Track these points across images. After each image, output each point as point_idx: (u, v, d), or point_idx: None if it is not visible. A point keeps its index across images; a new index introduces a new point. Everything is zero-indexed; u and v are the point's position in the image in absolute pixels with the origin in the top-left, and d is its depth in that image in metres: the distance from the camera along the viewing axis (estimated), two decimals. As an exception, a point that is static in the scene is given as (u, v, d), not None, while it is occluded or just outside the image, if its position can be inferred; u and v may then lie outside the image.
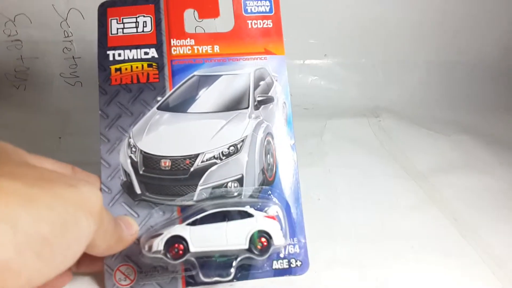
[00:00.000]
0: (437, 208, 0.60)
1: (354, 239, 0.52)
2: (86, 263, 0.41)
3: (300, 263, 0.44)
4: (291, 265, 0.44)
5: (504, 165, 0.72)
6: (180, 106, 0.46)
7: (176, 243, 0.39)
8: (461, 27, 0.94)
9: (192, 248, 0.39)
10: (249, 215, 0.41)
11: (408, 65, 0.94)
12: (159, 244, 0.39)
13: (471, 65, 0.96)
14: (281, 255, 0.44)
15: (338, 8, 0.88)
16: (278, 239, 0.41)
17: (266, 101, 0.47)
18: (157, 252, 0.39)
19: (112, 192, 0.43)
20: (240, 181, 0.44)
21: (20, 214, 0.25)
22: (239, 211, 0.41)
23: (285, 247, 0.44)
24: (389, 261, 0.49)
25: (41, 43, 0.79)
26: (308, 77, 0.93)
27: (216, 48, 0.47)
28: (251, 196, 0.44)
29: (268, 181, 0.45)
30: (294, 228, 0.45)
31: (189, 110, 0.46)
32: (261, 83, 0.47)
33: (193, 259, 0.40)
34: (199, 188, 0.43)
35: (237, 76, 0.47)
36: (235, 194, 0.44)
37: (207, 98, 0.47)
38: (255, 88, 0.47)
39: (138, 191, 0.44)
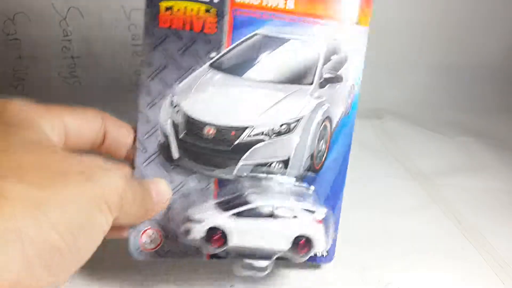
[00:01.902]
0: (440, 210, 0.60)
1: (356, 240, 0.52)
2: (114, 230, 0.38)
3: (327, 253, 0.43)
4: (317, 254, 0.43)
5: (507, 166, 0.73)
6: (236, 68, 0.40)
7: (217, 234, 0.37)
8: (464, 29, 0.94)
9: (231, 243, 0.37)
10: (295, 216, 0.38)
11: (411, 66, 0.94)
12: (199, 232, 0.37)
13: (474, 67, 0.96)
14: None
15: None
16: (320, 246, 0.38)
17: (334, 80, 0.41)
18: (195, 240, 0.37)
19: (147, 152, 0.39)
20: (285, 163, 0.40)
21: (28, 223, 0.23)
22: (286, 209, 0.38)
23: None
24: (391, 262, 0.49)
25: (40, 42, 0.79)
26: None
27: (290, 3, 0.39)
28: (299, 179, 0.41)
29: (315, 168, 0.42)
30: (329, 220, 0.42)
31: (244, 75, 0.40)
32: (333, 57, 0.41)
33: (229, 251, 0.38)
34: (240, 163, 0.40)
35: (307, 44, 0.41)
36: (278, 176, 0.41)
37: (268, 64, 0.41)
38: (324, 63, 0.41)
39: (176, 155, 0.40)
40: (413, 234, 0.55)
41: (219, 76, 0.40)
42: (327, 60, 0.41)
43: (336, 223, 0.43)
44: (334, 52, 0.41)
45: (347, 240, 0.52)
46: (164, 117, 0.39)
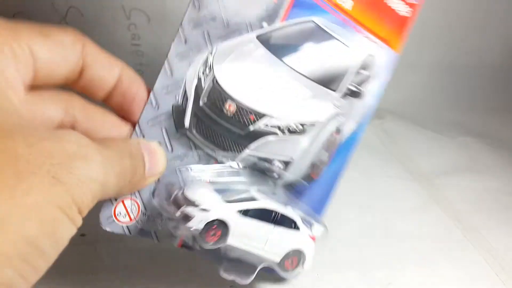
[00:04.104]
0: (441, 210, 0.60)
1: (357, 241, 0.52)
2: None
3: None
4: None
5: (508, 166, 0.73)
6: (280, 48, 0.39)
7: (217, 229, 0.34)
8: (465, 29, 0.94)
9: (231, 240, 0.34)
10: (296, 227, 0.37)
11: (412, 66, 0.94)
12: (201, 221, 0.33)
13: (476, 67, 0.96)
14: None
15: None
16: (309, 264, 0.38)
17: (356, 94, 0.41)
18: (194, 230, 0.34)
19: (158, 110, 0.36)
20: (287, 164, 0.39)
21: None
22: (288, 218, 0.37)
23: None
24: (392, 262, 0.49)
25: (40, 42, 0.79)
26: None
27: (349, 4, 0.39)
28: (288, 185, 0.39)
29: (311, 177, 0.40)
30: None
31: (285, 59, 0.39)
32: (363, 71, 0.41)
33: (221, 249, 0.36)
34: (246, 151, 0.38)
35: (347, 49, 0.40)
36: (275, 176, 0.39)
37: (309, 56, 0.40)
38: (354, 75, 0.40)
39: (187, 124, 0.37)
40: (413, 234, 0.55)
41: (261, 51, 0.38)
42: (357, 72, 0.40)
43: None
44: (365, 66, 0.41)
45: (347, 240, 0.52)
46: (191, 76, 0.37)
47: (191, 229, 0.34)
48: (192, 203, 0.34)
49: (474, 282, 0.48)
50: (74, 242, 0.45)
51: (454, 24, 0.94)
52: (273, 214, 0.36)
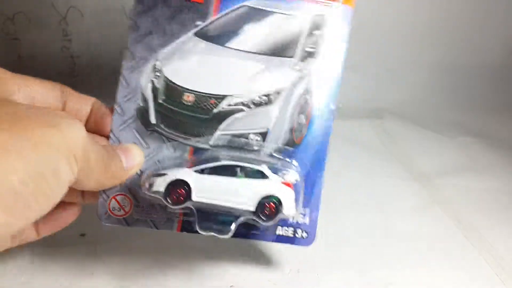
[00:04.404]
0: (441, 210, 0.60)
1: (357, 241, 0.52)
2: (92, 194, 0.39)
3: (306, 234, 0.41)
4: (296, 234, 0.41)
5: (508, 166, 0.73)
6: (220, 37, 0.41)
7: (179, 188, 0.37)
8: (465, 29, 0.94)
9: (195, 197, 0.37)
10: (264, 176, 0.38)
11: (411, 66, 0.94)
12: (160, 184, 0.37)
13: (475, 66, 0.96)
14: (288, 223, 0.41)
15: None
16: (289, 209, 0.38)
17: (315, 54, 0.42)
18: (157, 192, 0.37)
19: (124, 115, 0.40)
20: (263, 135, 0.40)
21: None
22: (254, 169, 0.38)
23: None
24: (392, 263, 0.49)
25: (40, 42, 0.79)
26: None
27: None
28: (271, 155, 0.41)
29: (294, 142, 0.41)
30: (309, 198, 0.41)
31: (227, 44, 0.41)
32: (316, 32, 0.42)
33: (192, 208, 0.38)
34: (218, 132, 0.40)
35: (292, 18, 0.41)
36: (255, 148, 0.40)
37: (252, 35, 0.41)
38: (307, 37, 0.42)
39: (153, 120, 0.40)
40: (414, 234, 0.54)
41: (202, 44, 0.41)
42: (309, 34, 0.42)
43: (317, 200, 0.42)
44: (317, 27, 0.42)
45: (347, 240, 0.52)
46: (145, 81, 0.40)
47: (156, 195, 0.37)
48: (155, 174, 0.38)
49: (474, 282, 0.47)
50: (74, 242, 0.45)
51: (454, 24, 0.94)
52: (236, 168, 0.38)
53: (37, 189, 0.25)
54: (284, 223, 0.41)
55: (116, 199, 0.40)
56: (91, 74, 0.81)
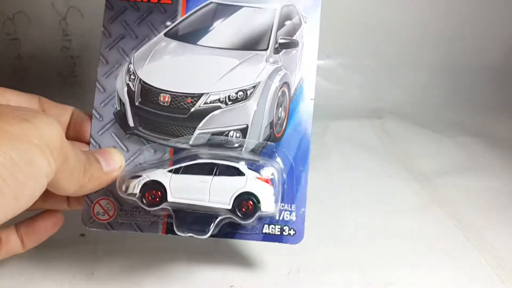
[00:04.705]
0: (441, 210, 0.60)
1: (357, 241, 0.52)
2: (77, 199, 0.39)
3: (294, 232, 0.40)
4: (284, 232, 0.40)
5: (507, 166, 0.72)
6: (190, 36, 0.41)
7: (154, 189, 0.37)
8: (465, 29, 0.94)
9: (170, 198, 0.36)
10: (240, 173, 0.37)
11: (411, 66, 0.94)
12: (135, 186, 0.37)
13: (475, 66, 0.96)
14: (274, 220, 0.40)
15: (342, 8, 0.88)
16: (267, 206, 0.37)
17: (289, 45, 0.41)
18: (132, 194, 0.37)
19: (103, 120, 0.40)
20: (243, 131, 0.40)
21: None
22: (230, 167, 0.37)
23: (280, 212, 0.40)
24: (392, 262, 0.49)
25: (40, 42, 0.79)
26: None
27: None
28: (252, 151, 0.40)
29: (275, 137, 0.41)
30: (294, 194, 0.40)
31: (199, 42, 0.41)
32: (287, 23, 0.42)
33: (169, 208, 0.37)
34: (197, 131, 0.40)
35: (261, 10, 0.42)
36: (236, 145, 0.40)
37: (222, 31, 0.42)
38: (278, 28, 0.41)
39: (131, 123, 0.40)
40: (414, 234, 0.54)
41: (174, 44, 0.41)
42: (281, 25, 0.42)
43: (303, 195, 0.41)
44: (288, 17, 0.42)
45: (347, 240, 0.52)
46: (121, 85, 0.40)
47: (132, 197, 0.37)
48: (131, 177, 0.37)
49: (474, 282, 0.47)
50: (74, 242, 0.45)
51: (454, 24, 0.94)
52: (212, 167, 0.37)
53: (13, 181, 0.25)
54: (271, 220, 0.40)
55: (100, 204, 0.40)
56: (91, 74, 0.81)
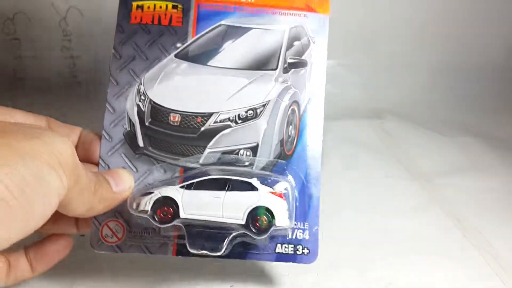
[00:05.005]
0: (441, 210, 0.60)
1: (357, 241, 0.52)
2: (85, 222, 0.38)
3: (308, 251, 0.39)
4: (297, 251, 0.39)
5: (507, 166, 0.72)
6: (201, 57, 0.42)
7: (166, 206, 0.36)
8: (465, 29, 0.94)
9: (183, 214, 0.36)
10: (253, 188, 0.37)
11: (411, 66, 0.94)
12: (147, 203, 0.36)
13: (475, 66, 0.96)
14: (287, 240, 0.39)
15: (341, 9, 0.88)
16: (281, 220, 0.36)
17: (298, 64, 0.42)
18: (143, 211, 0.36)
19: (112, 141, 0.40)
20: (254, 150, 0.40)
21: None
22: (243, 182, 0.37)
23: (292, 231, 0.39)
24: (392, 263, 0.49)
25: (40, 42, 0.79)
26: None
27: None
28: (263, 169, 0.40)
29: (286, 154, 0.41)
30: (306, 212, 0.40)
31: (209, 63, 0.42)
32: (296, 43, 0.43)
33: (181, 225, 0.37)
34: (207, 150, 0.39)
35: (269, 32, 0.42)
36: (246, 163, 0.40)
37: (232, 52, 0.42)
38: (287, 49, 0.42)
39: (141, 143, 0.40)
40: (413, 234, 0.54)
41: (184, 65, 0.41)
42: (290, 45, 0.42)
43: (316, 213, 0.40)
44: (296, 38, 0.43)
45: (348, 240, 0.52)
46: (131, 105, 0.40)
47: (143, 214, 0.36)
48: (142, 194, 0.37)
49: (474, 282, 0.47)
50: (74, 242, 0.45)
51: (454, 24, 0.94)
52: (224, 182, 0.37)
53: (26, 199, 0.24)
54: (283, 240, 0.39)
55: (108, 226, 0.39)
56: (91, 74, 0.81)
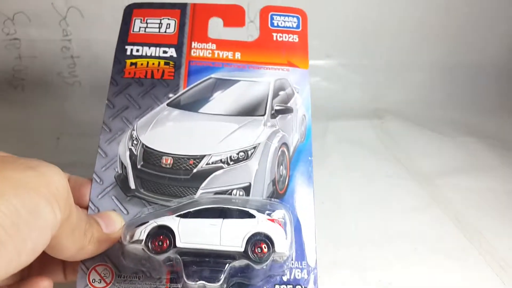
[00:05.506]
0: (441, 210, 0.60)
1: (357, 241, 0.52)
2: (73, 268, 0.37)
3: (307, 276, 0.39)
4: (296, 276, 0.38)
5: (508, 166, 0.72)
6: (192, 105, 0.44)
7: (161, 235, 0.35)
8: (464, 28, 0.94)
9: (179, 243, 0.34)
10: (250, 216, 0.36)
11: (411, 66, 0.93)
12: (142, 232, 0.35)
13: (475, 66, 0.96)
14: (285, 279, 0.38)
15: (341, 8, 0.87)
16: (281, 246, 0.35)
17: (284, 111, 0.45)
18: (138, 241, 0.35)
19: (103, 184, 0.40)
20: (247, 190, 0.41)
21: None
22: (239, 210, 0.37)
23: (290, 271, 0.38)
24: (392, 263, 0.49)
25: (40, 42, 0.79)
26: (310, 78, 0.92)
27: (238, 55, 0.46)
28: (260, 208, 0.39)
29: (279, 193, 0.41)
30: (303, 250, 0.39)
31: (200, 110, 0.44)
32: (281, 93, 0.46)
33: (177, 256, 0.35)
34: (200, 191, 0.40)
35: (256, 83, 0.45)
36: (239, 203, 0.39)
37: (222, 101, 0.44)
38: (274, 97, 0.45)
39: (132, 186, 0.41)
40: (414, 234, 0.54)
41: (176, 112, 0.43)
42: (275, 94, 0.45)
43: (312, 250, 0.40)
44: (281, 88, 0.46)
45: (348, 240, 0.52)
46: (123, 149, 0.42)
47: (137, 244, 0.35)
48: (139, 225, 0.36)
49: (474, 282, 0.47)
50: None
51: (454, 24, 0.93)
52: (221, 210, 0.36)
53: (18, 234, 0.23)
54: (281, 280, 0.38)
55: (96, 270, 0.37)
56: (91, 74, 0.81)
